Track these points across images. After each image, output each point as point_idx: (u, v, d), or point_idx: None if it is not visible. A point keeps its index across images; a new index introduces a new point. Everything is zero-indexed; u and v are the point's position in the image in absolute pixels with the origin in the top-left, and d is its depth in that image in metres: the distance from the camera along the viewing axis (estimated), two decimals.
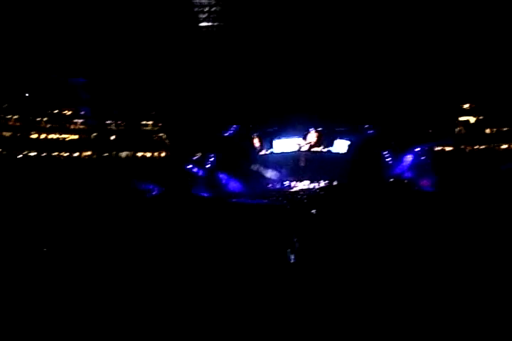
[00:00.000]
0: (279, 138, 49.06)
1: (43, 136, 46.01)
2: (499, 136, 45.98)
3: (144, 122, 49.51)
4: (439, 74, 43.22)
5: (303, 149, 48.99)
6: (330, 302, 8.85)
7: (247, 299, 9.10)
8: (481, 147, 46.22)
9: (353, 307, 8.69)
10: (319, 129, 48.72)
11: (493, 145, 45.77)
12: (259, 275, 10.74)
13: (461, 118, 48.14)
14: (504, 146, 45.33)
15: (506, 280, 9.98)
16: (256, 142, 49.12)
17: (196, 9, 42.94)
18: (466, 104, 48.11)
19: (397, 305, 8.68)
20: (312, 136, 48.91)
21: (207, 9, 42.82)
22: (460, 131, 47.31)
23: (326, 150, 48.71)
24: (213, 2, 42.76)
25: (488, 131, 46.86)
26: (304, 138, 48.96)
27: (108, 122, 47.45)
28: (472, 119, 47.90)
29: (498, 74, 42.52)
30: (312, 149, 48.81)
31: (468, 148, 46.35)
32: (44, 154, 44.50)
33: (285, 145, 49.21)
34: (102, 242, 14.98)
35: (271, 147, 49.25)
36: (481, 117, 47.47)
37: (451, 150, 46.42)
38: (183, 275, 10.78)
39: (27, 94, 43.74)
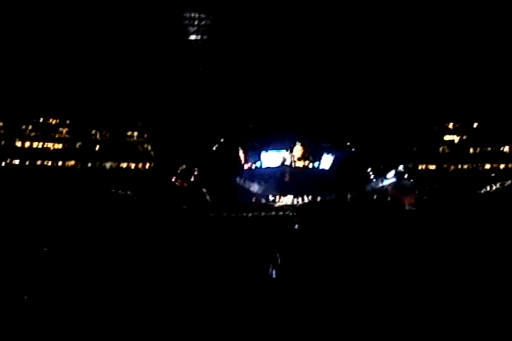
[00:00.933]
0: (267, 151, 48.99)
1: (27, 144, 45.69)
2: (483, 155, 46.38)
3: (130, 133, 49.28)
4: (424, 94, 43.68)
5: (287, 163, 49.02)
6: (311, 317, 8.84)
7: (228, 311, 9.06)
8: (465, 166, 46.57)
9: (334, 320, 8.70)
10: (305, 143, 48.66)
11: (476, 164, 46.14)
12: (240, 289, 10.70)
13: (446, 138, 48.53)
14: (487, 166, 45.75)
15: (480, 294, 10.09)
16: (241, 156, 49.08)
17: (185, 23, 43.09)
18: (450, 123, 48.55)
19: (377, 318, 8.70)
20: (298, 150, 49.01)
21: (196, 23, 42.98)
22: (444, 150, 47.67)
23: (310, 165, 48.79)
24: (203, 16, 42.96)
25: (471, 150, 47.29)
26: (290, 151, 49.01)
27: (93, 132, 47.14)
28: (456, 139, 48.31)
29: (482, 95, 43.09)
30: (297, 163, 48.87)
31: (452, 167, 46.67)
32: (27, 162, 44.15)
33: (272, 158, 49.16)
34: (84, 251, 14.87)
35: (257, 161, 49.18)
36: (464, 137, 47.89)
37: (434, 169, 46.69)
38: (165, 287, 10.72)
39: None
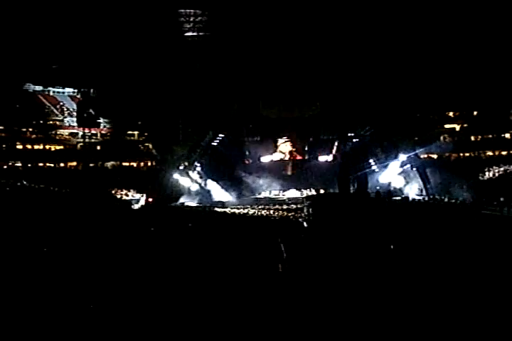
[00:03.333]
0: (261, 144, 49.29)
1: (28, 146, 45.78)
2: (484, 143, 46.32)
3: (130, 132, 49.33)
4: (424, 83, 43.61)
5: (288, 156, 49.14)
6: (317, 311, 8.80)
7: (232, 306, 9.03)
8: (466, 154, 46.50)
9: (339, 314, 8.65)
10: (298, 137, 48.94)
11: (478, 152, 46.09)
12: (247, 283, 10.66)
13: (447, 126, 48.51)
14: (489, 153, 45.67)
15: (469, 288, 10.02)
16: (244, 151, 49.10)
17: (181, 19, 43.10)
18: (451, 111, 48.52)
19: (382, 314, 8.65)
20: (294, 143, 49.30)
21: (192, 19, 42.99)
22: (445, 138, 47.61)
23: (312, 158, 48.91)
24: (198, 13, 42.96)
25: (473, 138, 47.23)
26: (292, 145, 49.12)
27: (94, 132, 47.10)
28: (457, 127, 48.29)
29: (482, 83, 43.00)
30: (298, 156, 49.02)
31: (454, 156, 46.57)
32: (29, 165, 44.20)
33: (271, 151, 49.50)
34: (87, 250, 14.84)
35: (259, 155, 49.25)
36: (465, 125, 47.87)
37: (437, 158, 46.58)
38: (169, 283, 10.70)
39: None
